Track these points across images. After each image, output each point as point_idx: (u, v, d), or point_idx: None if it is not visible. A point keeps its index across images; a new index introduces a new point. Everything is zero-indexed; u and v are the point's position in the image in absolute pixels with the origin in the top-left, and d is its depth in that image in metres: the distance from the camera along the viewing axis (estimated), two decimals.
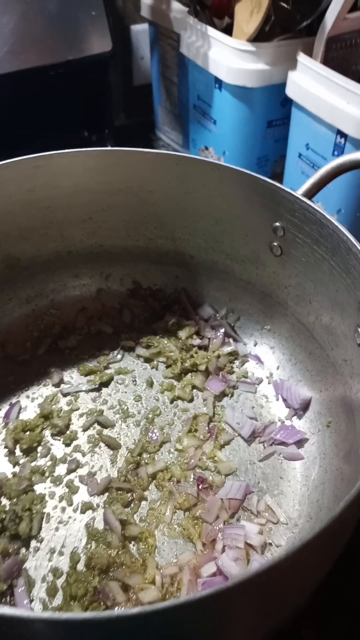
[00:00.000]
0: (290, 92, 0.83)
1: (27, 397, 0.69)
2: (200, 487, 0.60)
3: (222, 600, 0.33)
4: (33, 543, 0.57)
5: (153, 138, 1.22)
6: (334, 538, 0.41)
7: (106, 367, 0.73)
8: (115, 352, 0.74)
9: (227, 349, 0.72)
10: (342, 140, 0.77)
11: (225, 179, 0.62)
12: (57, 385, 0.71)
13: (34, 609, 0.52)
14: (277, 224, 0.62)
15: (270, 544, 0.56)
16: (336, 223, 0.54)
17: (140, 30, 1.17)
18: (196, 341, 0.73)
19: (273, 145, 0.96)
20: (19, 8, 0.93)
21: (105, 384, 0.71)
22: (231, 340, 0.74)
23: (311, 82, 0.79)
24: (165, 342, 0.74)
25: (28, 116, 1.04)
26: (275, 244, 0.64)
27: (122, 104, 1.26)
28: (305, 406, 0.65)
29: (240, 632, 0.43)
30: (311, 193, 0.60)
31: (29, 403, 0.69)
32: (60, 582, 0.54)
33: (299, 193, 0.59)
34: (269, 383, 0.70)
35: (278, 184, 0.59)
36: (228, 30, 0.89)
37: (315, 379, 0.65)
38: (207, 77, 0.93)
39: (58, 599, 0.53)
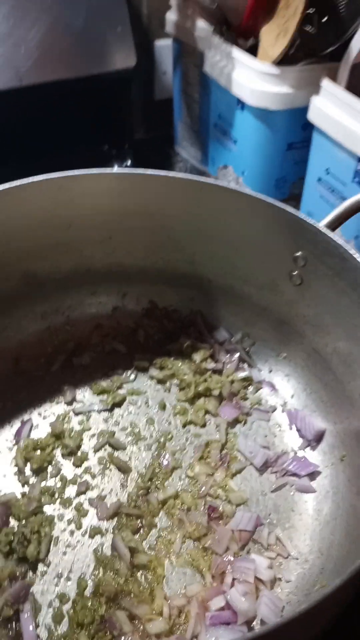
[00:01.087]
0: (312, 116, 0.83)
1: (39, 414, 0.69)
2: (211, 516, 0.60)
3: None
4: (40, 567, 0.56)
5: (172, 153, 1.21)
6: (349, 588, 0.40)
7: (119, 387, 0.72)
8: (129, 372, 0.74)
9: (241, 375, 0.72)
10: None
11: (248, 207, 0.62)
12: (69, 403, 0.70)
13: (39, 635, 0.52)
14: (299, 254, 0.61)
15: (280, 579, 0.56)
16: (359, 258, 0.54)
17: (163, 46, 1.17)
18: (210, 365, 0.73)
19: (292, 167, 0.96)
20: (46, 21, 0.93)
21: (118, 404, 0.71)
22: (246, 365, 0.73)
23: (334, 108, 0.79)
24: (179, 364, 0.73)
25: (49, 128, 1.04)
26: (295, 273, 0.64)
27: (142, 118, 1.26)
28: (319, 437, 0.64)
29: None
30: (334, 225, 0.59)
31: (41, 421, 0.69)
32: (66, 608, 0.54)
33: (322, 224, 0.59)
34: (282, 411, 0.69)
35: (301, 215, 0.59)
36: (252, 50, 0.89)
37: (330, 411, 0.64)
38: (229, 97, 0.93)
39: (64, 626, 0.52)
